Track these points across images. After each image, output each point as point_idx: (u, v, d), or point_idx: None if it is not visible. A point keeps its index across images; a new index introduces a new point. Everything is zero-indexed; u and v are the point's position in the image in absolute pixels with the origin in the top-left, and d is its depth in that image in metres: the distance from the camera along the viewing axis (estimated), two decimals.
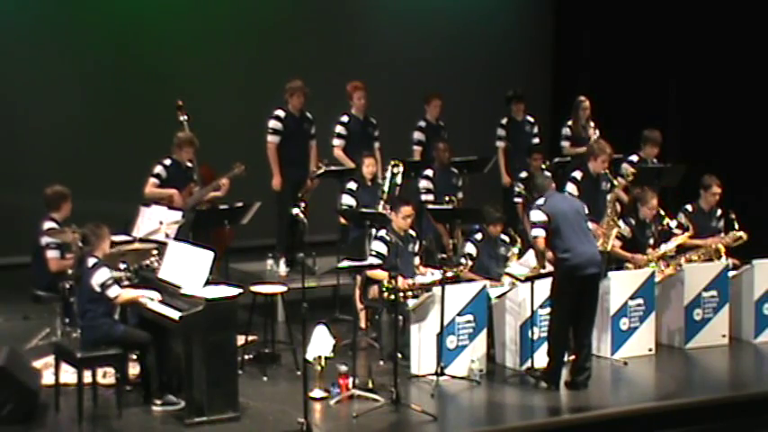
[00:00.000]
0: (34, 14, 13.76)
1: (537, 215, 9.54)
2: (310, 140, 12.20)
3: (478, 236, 10.71)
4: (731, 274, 11.05)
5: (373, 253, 10.21)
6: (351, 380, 9.36)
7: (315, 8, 14.91)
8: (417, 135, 12.83)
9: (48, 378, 9.17)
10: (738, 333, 11.11)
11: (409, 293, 9.98)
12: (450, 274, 9.85)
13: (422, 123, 12.87)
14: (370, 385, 9.36)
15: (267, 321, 10.18)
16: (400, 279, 9.79)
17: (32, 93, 13.62)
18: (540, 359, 9.81)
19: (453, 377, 9.76)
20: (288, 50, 14.44)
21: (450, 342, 9.86)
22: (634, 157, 12.00)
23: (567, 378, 9.68)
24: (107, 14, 14.00)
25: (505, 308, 10.12)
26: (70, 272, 9.55)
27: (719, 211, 11.53)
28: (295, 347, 9.97)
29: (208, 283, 8.87)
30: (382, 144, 12.40)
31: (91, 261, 8.83)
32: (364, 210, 11.03)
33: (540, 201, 9.61)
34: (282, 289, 10.28)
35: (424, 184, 12.09)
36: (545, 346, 9.73)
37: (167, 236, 9.89)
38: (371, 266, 10.00)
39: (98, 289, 8.74)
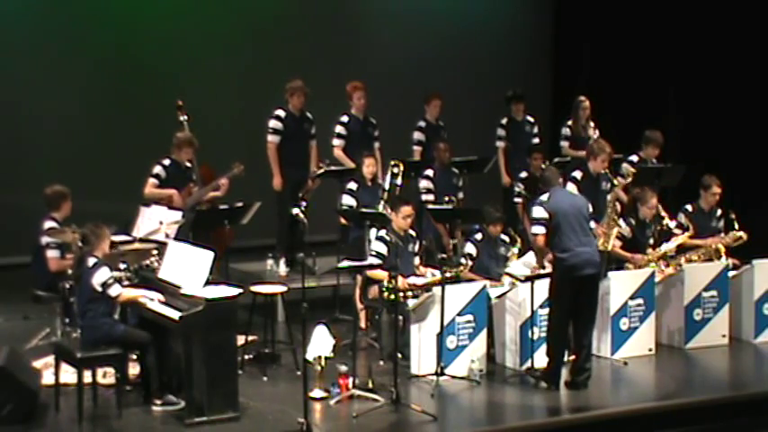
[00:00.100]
0: (35, 15, 13.76)
1: (538, 212, 9.52)
2: (310, 140, 12.20)
3: (478, 236, 10.71)
4: (731, 274, 11.05)
5: (373, 253, 10.21)
6: (351, 380, 9.35)
7: (315, 8, 14.91)
8: (417, 135, 12.82)
9: (48, 378, 9.16)
10: (738, 333, 11.10)
11: (409, 293, 9.98)
12: (450, 274, 9.85)
13: (422, 123, 12.86)
14: (370, 385, 9.35)
15: (267, 321, 10.17)
16: (400, 279, 9.79)
17: (33, 93, 13.61)
18: (540, 359, 9.80)
19: (453, 377, 9.75)
20: (288, 50, 14.44)
21: (450, 342, 9.85)
22: (634, 158, 12.01)
23: (566, 378, 9.67)
24: (107, 14, 14.00)
25: (505, 308, 10.11)
26: (70, 272, 9.52)
27: (719, 211, 11.53)
28: (295, 347, 9.96)
29: (208, 283, 8.86)
30: (382, 144, 12.40)
31: (91, 261, 8.83)
32: (364, 210, 11.04)
33: (544, 197, 9.59)
34: (282, 289, 10.27)
35: (424, 184, 12.09)
36: (545, 347, 9.73)
37: (167, 236, 9.89)
38: (371, 266, 10.01)
39: (99, 288, 8.74)
